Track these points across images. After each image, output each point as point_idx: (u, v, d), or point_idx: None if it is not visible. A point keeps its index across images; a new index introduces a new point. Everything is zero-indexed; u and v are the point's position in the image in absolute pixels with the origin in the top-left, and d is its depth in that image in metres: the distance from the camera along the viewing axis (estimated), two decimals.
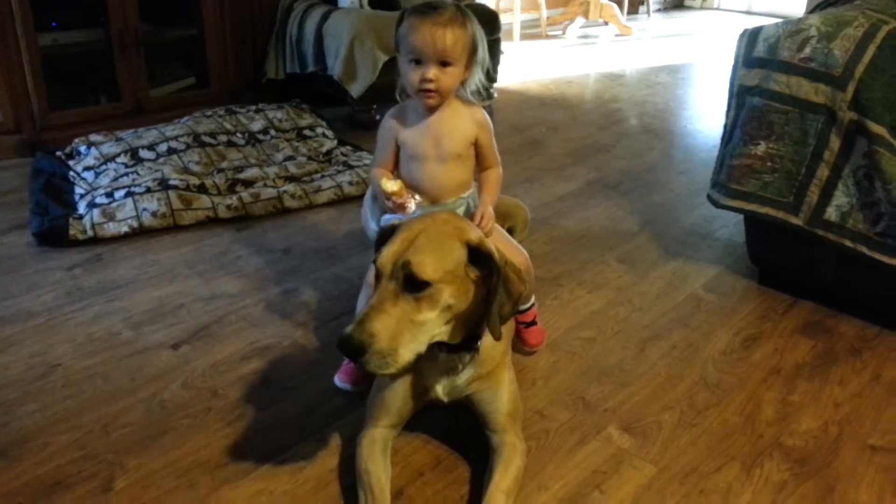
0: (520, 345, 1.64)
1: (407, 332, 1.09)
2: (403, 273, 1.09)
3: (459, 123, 1.44)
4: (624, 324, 1.78)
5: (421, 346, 1.12)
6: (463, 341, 1.22)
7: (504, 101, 3.69)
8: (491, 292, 1.14)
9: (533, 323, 1.64)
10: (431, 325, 1.12)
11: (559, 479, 1.30)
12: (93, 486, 1.26)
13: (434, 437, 1.39)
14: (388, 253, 1.12)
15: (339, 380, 1.51)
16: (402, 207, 1.36)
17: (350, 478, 1.26)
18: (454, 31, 1.34)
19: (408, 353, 1.10)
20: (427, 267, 1.09)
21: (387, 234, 1.20)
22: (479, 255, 1.15)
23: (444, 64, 1.35)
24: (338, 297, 1.85)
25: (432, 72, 1.34)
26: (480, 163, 1.50)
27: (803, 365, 1.64)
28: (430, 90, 1.36)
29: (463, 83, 1.43)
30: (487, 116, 1.48)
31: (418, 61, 1.35)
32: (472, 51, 1.39)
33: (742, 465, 1.34)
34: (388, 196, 1.35)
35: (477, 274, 1.15)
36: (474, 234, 1.17)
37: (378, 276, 1.13)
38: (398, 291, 1.10)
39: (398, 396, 1.29)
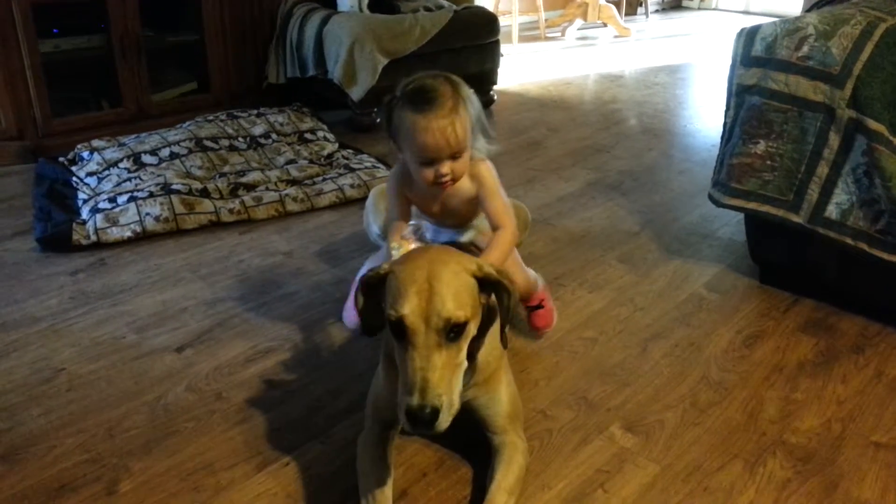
0: (527, 329, 1.68)
1: (454, 378, 1.08)
2: (445, 327, 1.05)
3: (461, 185, 1.40)
4: (626, 323, 1.79)
5: (461, 384, 1.11)
6: None
7: (503, 103, 3.70)
8: (498, 309, 1.15)
9: (539, 306, 1.66)
10: (463, 360, 1.11)
11: (562, 479, 1.30)
12: (97, 489, 1.26)
13: (436, 438, 1.39)
14: (413, 309, 1.05)
15: (349, 319, 1.47)
16: None
17: (354, 479, 1.26)
18: (460, 119, 1.27)
19: (457, 397, 1.08)
20: (461, 311, 1.07)
21: (373, 283, 1.15)
22: (485, 282, 1.14)
23: (456, 156, 1.30)
24: (340, 299, 1.86)
25: (447, 167, 1.30)
26: (488, 221, 1.44)
27: (805, 363, 1.64)
28: (446, 182, 1.33)
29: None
30: (488, 170, 1.40)
31: (430, 162, 1.30)
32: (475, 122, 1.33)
33: (745, 463, 1.34)
34: None
35: (486, 299, 1.15)
36: (474, 264, 1.14)
37: (404, 333, 1.06)
38: (441, 342, 1.06)
39: (395, 398, 1.29)
